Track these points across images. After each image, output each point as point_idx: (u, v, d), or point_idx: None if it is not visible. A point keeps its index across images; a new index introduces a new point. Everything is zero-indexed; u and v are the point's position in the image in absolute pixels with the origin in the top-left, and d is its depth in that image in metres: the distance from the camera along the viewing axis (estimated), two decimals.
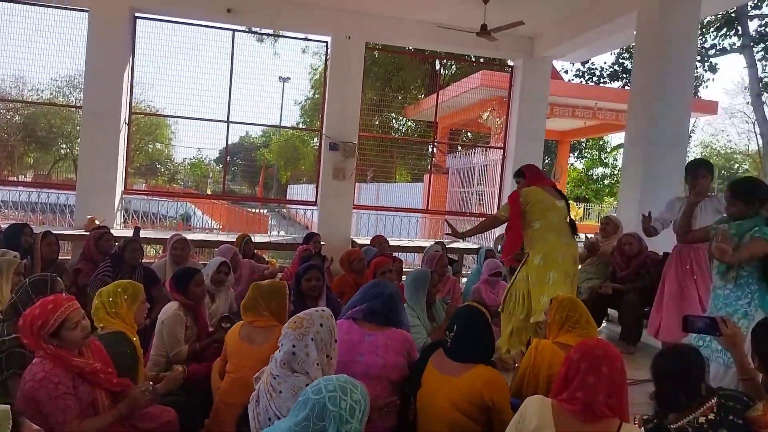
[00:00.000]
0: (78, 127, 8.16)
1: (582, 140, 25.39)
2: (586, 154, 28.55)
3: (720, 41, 20.43)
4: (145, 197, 9.40)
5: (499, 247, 6.58)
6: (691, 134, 24.92)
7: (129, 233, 6.45)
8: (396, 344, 2.76)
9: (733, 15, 18.49)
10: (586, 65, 24.39)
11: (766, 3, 18.76)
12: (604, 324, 5.75)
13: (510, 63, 9.55)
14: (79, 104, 9.13)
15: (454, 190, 13.47)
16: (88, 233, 5.47)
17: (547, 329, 2.96)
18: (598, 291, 5.35)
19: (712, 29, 19.83)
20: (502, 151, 9.65)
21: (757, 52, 19.41)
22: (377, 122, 17.03)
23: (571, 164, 26.25)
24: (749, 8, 18.46)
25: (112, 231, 5.46)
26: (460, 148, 15.18)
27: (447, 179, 14.08)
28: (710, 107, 15.75)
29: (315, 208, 8.97)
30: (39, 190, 9.14)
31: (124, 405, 2.29)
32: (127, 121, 8.00)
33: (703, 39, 20.17)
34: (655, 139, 6.12)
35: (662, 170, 6.08)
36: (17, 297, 2.59)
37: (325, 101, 8.65)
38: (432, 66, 18.71)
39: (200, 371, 3.02)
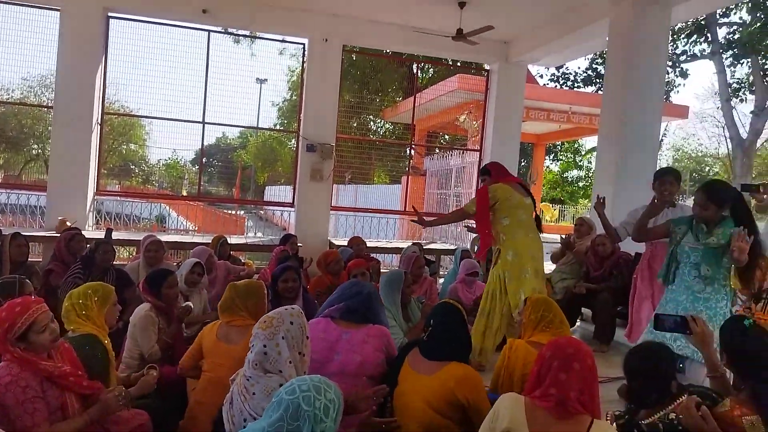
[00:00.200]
0: (50, 128, 7.99)
1: (557, 143, 25.74)
2: (561, 157, 28.97)
3: (690, 48, 20.90)
4: (119, 198, 9.26)
5: (476, 248, 6.64)
6: (663, 138, 25.46)
7: (101, 235, 6.35)
8: (374, 339, 2.75)
9: (703, 22, 18.94)
10: (561, 70, 24.74)
11: (734, 11, 19.26)
12: (578, 323, 5.83)
13: (486, 67, 9.64)
14: (50, 104, 8.96)
15: (432, 192, 13.53)
16: (59, 235, 5.37)
17: (522, 329, 3.00)
18: (573, 291, 5.42)
19: (682, 36, 20.26)
20: (478, 153, 9.73)
21: (726, 58, 19.89)
22: (355, 124, 17.04)
23: (547, 167, 26.61)
24: (718, 16, 18.93)
25: (83, 233, 5.36)
26: (437, 150, 15.26)
27: (425, 181, 14.15)
28: (681, 112, 16.10)
29: (292, 209, 8.93)
30: (9, 191, 8.94)
31: (96, 409, 2.25)
32: (99, 121, 7.86)
33: (674, 45, 20.61)
34: (628, 143, 6.23)
35: (634, 173, 6.19)
36: None
37: (302, 103, 8.62)
38: (409, 69, 18.77)
39: (173, 373, 2.99)
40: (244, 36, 12.07)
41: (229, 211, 15.45)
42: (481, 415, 2.21)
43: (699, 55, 20.66)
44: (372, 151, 14.24)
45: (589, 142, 25.40)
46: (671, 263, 3.35)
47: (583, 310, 5.74)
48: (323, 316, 2.89)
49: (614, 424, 2.28)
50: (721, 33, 19.68)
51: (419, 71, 18.03)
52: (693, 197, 3.34)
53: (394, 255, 9.25)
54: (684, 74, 22.01)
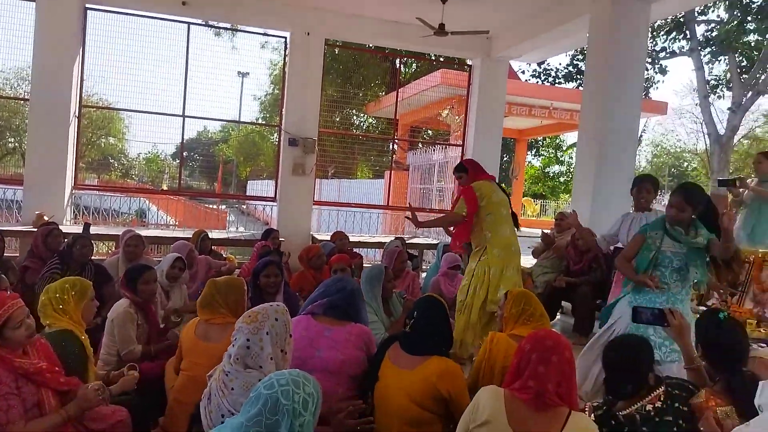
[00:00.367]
0: (26, 121, 7.83)
1: (539, 139, 25.96)
2: (543, 153, 29.22)
3: (669, 44, 21.17)
4: (98, 192, 9.12)
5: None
6: (643, 134, 25.82)
7: (79, 230, 6.26)
8: (355, 338, 2.75)
9: (681, 20, 19.18)
10: (542, 66, 24.91)
11: (712, 9, 19.55)
12: (558, 316, 5.90)
13: (468, 62, 9.66)
14: (27, 96, 8.78)
15: (415, 187, 13.54)
16: (35, 230, 5.29)
17: (503, 322, 3.02)
18: (553, 285, 5.48)
19: (662, 33, 20.51)
20: (461, 148, 9.76)
21: (704, 55, 20.17)
22: (338, 118, 16.98)
23: (529, 162, 26.82)
24: (696, 14, 19.18)
25: (61, 227, 5.28)
26: (420, 145, 15.28)
27: (408, 176, 14.15)
28: (660, 108, 16.34)
29: (274, 203, 8.89)
30: None
31: (73, 405, 2.22)
32: (77, 114, 7.73)
33: (654, 42, 20.84)
34: (607, 138, 6.30)
35: (614, 168, 6.26)
36: None
37: (284, 97, 8.56)
38: (392, 64, 18.76)
39: (153, 370, 2.96)
40: (225, 29, 11.94)
41: (211, 206, 15.33)
42: (461, 408, 2.22)
43: (678, 52, 20.94)
44: (355, 146, 14.20)
45: (571, 137, 25.68)
46: (648, 269, 3.25)
47: (564, 303, 5.81)
48: (305, 312, 2.88)
49: (592, 415, 2.31)
50: (700, 30, 19.97)
51: (402, 66, 18.06)
52: (666, 205, 3.29)
53: (377, 249, 9.26)
54: (663, 71, 22.31)
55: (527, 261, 6.41)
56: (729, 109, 19.40)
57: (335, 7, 8.12)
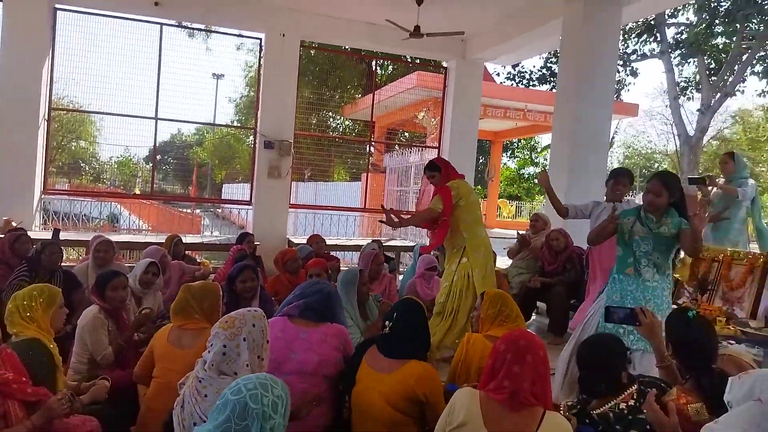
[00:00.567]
0: None
1: (514, 140, 26.20)
2: (518, 154, 29.51)
3: (640, 47, 21.54)
4: (68, 197, 8.92)
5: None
6: (615, 135, 26.22)
7: (48, 236, 6.12)
8: (331, 338, 2.74)
9: (652, 23, 19.55)
10: (517, 69, 25.18)
11: (681, 12, 19.95)
12: (533, 317, 5.95)
13: (444, 64, 9.70)
14: None
15: (392, 189, 13.55)
16: (2, 236, 5.15)
17: (480, 323, 3.03)
18: (528, 285, 5.53)
19: (633, 35, 20.87)
20: (437, 150, 9.79)
21: (675, 57, 20.58)
22: (314, 121, 16.92)
23: (504, 164, 27.06)
24: (667, 17, 19.58)
25: (30, 233, 5.14)
26: (397, 147, 15.31)
27: (384, 178, 14.16)
28: (632, 109, 16.64)
29: (250, 207, 8.80)
30: None
31: (39, 415, 2.16)
32: (46, 117, 7.56)
33: (625, 45, 21.21)
34: (580, 140, 6.38)
35: (586, 169, 6.35)
36: None
37: (259, 99, 8.49)
38: (369, 66, 18.77)
39: (124, 378, 2.90)
40: (199, 30, 11.79)
41: (185, 210, 15.13)
42: (437, 412, 2.23)
43: (648, 54, 21.32)
44: (331, 148, 14.19)
45: (545, 139, 25.99)
46: (628, 255, 3.36)
47: (539, 303, 5.87)
48: (281, 315, 2.86)
49: (567, 414, 2.33)
50: (670, 33, 20.39)
51: (378, 68, 18.09)
52: (642, 193, 3.38)
53: (354, 252, 9.23)
54: (634, 73, 22.72)
55: (502, 262, 6.46)
56: (698, 110, 19.81)
57: (310, 8, 8.08)
